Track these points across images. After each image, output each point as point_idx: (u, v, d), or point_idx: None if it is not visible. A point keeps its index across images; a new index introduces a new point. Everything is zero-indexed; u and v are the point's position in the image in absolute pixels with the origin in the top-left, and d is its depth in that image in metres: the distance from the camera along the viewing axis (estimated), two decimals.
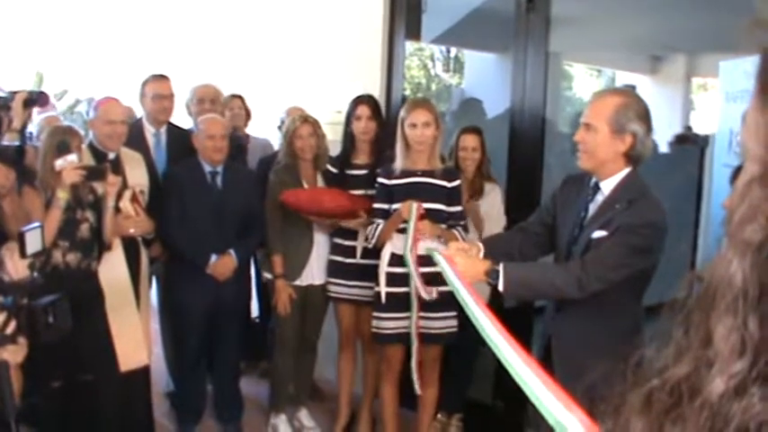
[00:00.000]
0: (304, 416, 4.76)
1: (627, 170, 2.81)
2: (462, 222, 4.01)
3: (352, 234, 4.37)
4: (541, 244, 3.15)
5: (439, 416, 4.70)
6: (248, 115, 5.58)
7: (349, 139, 4.39)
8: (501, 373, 4.67)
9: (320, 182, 4.46)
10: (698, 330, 0.56)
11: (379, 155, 4.35)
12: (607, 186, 2.83)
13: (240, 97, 5.54)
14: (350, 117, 4.36)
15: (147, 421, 4.23)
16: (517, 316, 4.46)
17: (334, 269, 4.46)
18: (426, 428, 4.32)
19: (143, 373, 4.05)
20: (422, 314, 3.94)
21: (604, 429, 0.60)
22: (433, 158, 4.01)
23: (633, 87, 8.34)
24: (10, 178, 3.40)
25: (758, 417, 0.50)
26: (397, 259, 3.94)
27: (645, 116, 2.76)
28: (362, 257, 4.35)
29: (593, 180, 2.89)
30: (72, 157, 3.56)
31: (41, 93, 3.98)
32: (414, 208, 3.78)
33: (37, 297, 2.64)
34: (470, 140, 4.44)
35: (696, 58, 12.45)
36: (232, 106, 5.42)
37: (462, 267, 2.62)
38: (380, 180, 4.08)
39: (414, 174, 4.00)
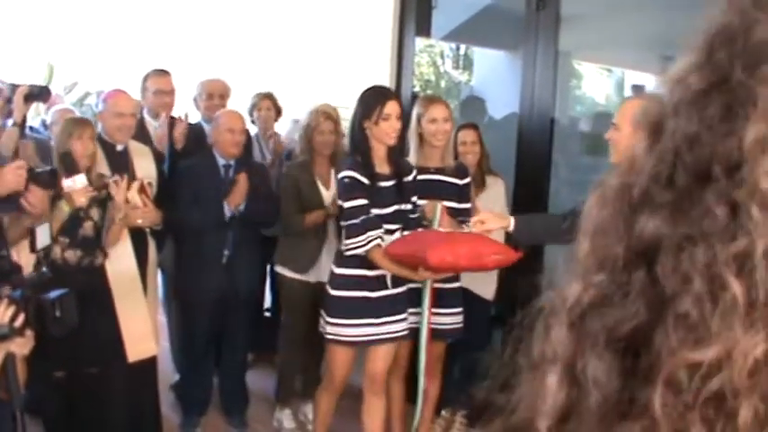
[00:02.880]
0: (310, 410, 4.77)
1: None
2: (470, 219, 3.99)
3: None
4: None
5: (443, 412, 4.70)
6: (279, 113, 5.40)
7: (365, 142, 3.66)
8: (506, 370, 4.67)
9: (333, 179, 4.33)
10: None
11: (398, 163, 3.81)
12: None
13: (270, 96, 5.34)
14: (370, 115, 3.62)
15: (154, 413, 4.24)
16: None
17: (358, 307, 3.73)
18: (429, 423, 4.31)
19: (150, 365, 4.06)
20: (447, 310, 3.99)
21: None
22: (447, 156, 3.98)
23: (642, 88, 8.30)
24: (45, 201, 3.40)
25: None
26: None
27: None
28: (394, 285, 3.79)
29: None
30: (81, 179, 3.54)
31: (43, 87, 3.99)
32: (438, 208, 3.74)
33: (45, 291, 2.65)
34: (468, 135, 4.42)
35: None
36: (260, 106, 5.28)
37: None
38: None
39: (427, 171, 3.96)
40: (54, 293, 2.67)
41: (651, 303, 0.49)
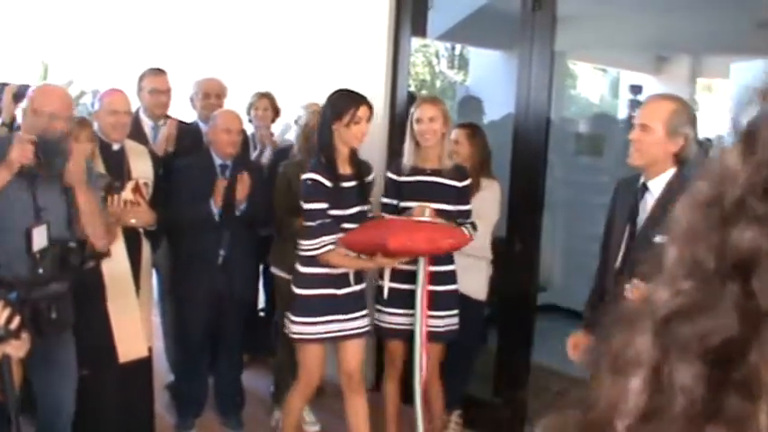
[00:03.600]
0: (305, 411, 4.76)
1: (673, 170, 2.98)
2: (470, 221, 3.98)
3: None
4: None
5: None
6: (276, 113, 5.32)
7: (332, 143, 3.73)
8: (501, 370, 4.68)
9: None
10: None
11: (359, 164, 3.90)
12: (655, 186, 2.99)
13: (268, 96, 5.26)
14: (342, 117, 3.68)
15: (148, 414, 4.23)
16: (519, 314, 4.47)
17: (325, 305, 3.81)
18: (439, 423, 4.31)
19: (144, 365, 4.05)
20: (441, 313, 4.00)
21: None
22: (444, 157, 3.97)
23: (639, 88, 8.33)
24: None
25: None
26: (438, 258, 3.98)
27: (694, 122, 2.99)
28: (356, 282, 3.95)
29: (641, 180, 3.04)
30: None
31: (29, 87, 3.98)
32: (427, 212, 3.79)
33: (40, 292, 2.65)
34: (456, 135, 4.41)
35: (701, 59, 12.43)
36: (257, 106, 5.22)
37: None
38: (390, 176, 4.07)
39: (423, 172, 3.98)
40: (50, 294, 2.66)
41: (746, 317, 0.49)
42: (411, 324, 3.95)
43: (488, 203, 4.33)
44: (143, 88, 4.75)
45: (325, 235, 3.65)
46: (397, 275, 4.00)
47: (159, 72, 4.81)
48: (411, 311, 3.94)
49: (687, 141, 2.93)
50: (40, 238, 2.75)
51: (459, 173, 4.00)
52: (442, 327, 4.03)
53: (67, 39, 8.67)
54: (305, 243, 3.69)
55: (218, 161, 4.35)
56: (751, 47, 4.89)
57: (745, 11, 7.38)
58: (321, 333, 3.82)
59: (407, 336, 4.00)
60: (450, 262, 4.04)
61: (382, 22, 5.04)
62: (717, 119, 8.64)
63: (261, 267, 5.01)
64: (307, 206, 3.68)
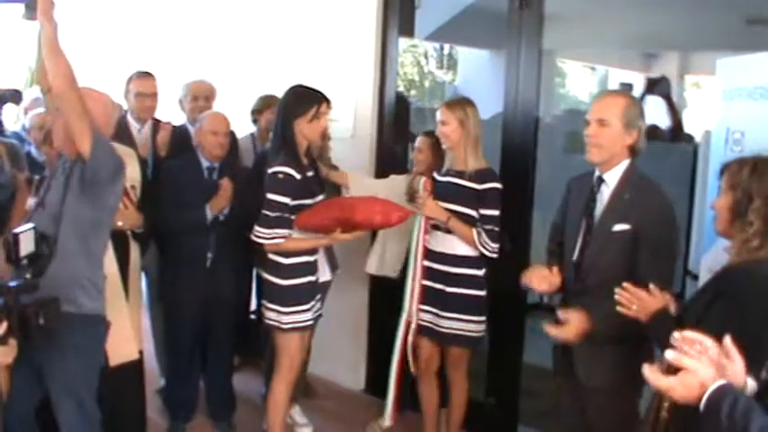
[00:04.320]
0: (296, 412, 4.75)
1: (627, 162, 3.10)
2: (488, 227, 3.94)
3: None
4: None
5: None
6: None
7: (293, 138, 3.86)
8: (493, 370, 4.68)
9: None
10: None
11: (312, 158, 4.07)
12: (611, 178, 3.11)
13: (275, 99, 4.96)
14: (306, 113, 3.83)
15: (140, 418, 4.21)
16: (510, 313, 4.47)
17: (308, 292, 4.00)
18: (457, 429, 4.33)
19: (134, 369, 4.02)
20: (447, 314, 4.05)
21: None
22: (470, 159, 3.97)
23: (630, 87, 8.35)
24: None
25: None
26: (445, 258, 4.06)
27: (643, 114, 3.16)
28: None
29: (597, 174, 3.16)
30: None
31: (15, 91, 3.96)
32: (421, 183, 4.01)
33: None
34: (419, 142, 4.50)
35: (689, 56, 12.46)
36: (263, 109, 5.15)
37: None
38: (434, 175, 4.15)
39: (449, 173, 4.06)
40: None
41: None
42: (430, 322, 4.10)
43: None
44: (129, 91, 4.74)
45: (279, 228, 3.78)
46: (461, 279, 4.05)
47: (146, 75, 4.78)
48: (428, 308, 4.10)
49: (640, 134, 3.09)
50: (27, 244, 2.73)
51: (481, 176, 3.97)
52: (467, 331, 4.05)
53: None
54: (260, 230, 3.79)
55: (205, 163, 4.34)
56: (739, 43, 4.88)
57: (734, 7, 7.40)
58: (308, 320, 3.98)
59: (432, 333, 4.12)
60: (478, 267, 4.06)
61: (370, 22, 5.03)
62: (705, 115, 8.66)
63: (255, 270, 4.97)
64: (273, 197, 3.76)
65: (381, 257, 4.60)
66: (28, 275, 2.72)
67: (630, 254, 3.00)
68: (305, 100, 3.86)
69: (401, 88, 6.39)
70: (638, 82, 11.13)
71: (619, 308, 2.63)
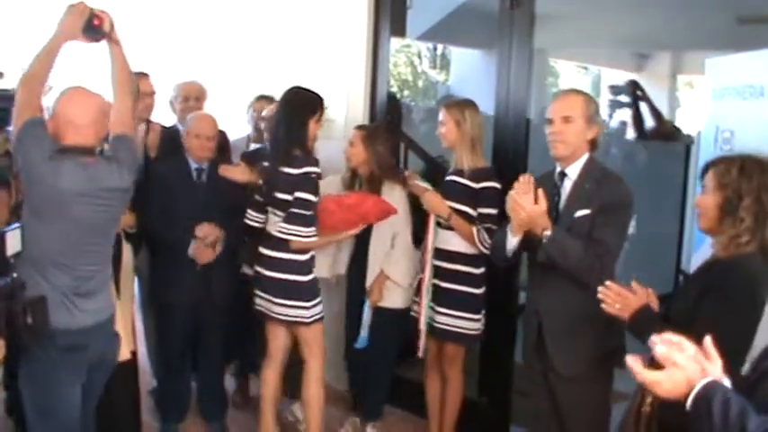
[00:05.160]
0: (297, 408, 4.75)
1: (587, 155, 3.26)
2: (487, 225, 3.96)
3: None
4: None
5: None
6: None
7: (308, 138, 4.03)
8: (486, 370, 4.68)
9: None
10: None
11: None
12: (573, 171, 3.26)
13: (269, 99, 5.06)
14: (317, 114, 4.02)
15: (133, 418, 4.19)
16: (502, 312, 4.47)
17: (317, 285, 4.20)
18: (451, 427, 4.37)
19: (127, 369, 4.00)
20: (444, 310, 4.10)
21: None
22: (467, 158, 4.03)
23: (619, 87, 8.33)
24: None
25: None
26: (444, 255, 4.11)
27: (599, 111, 3.37)
28: None
29: (558, 170, 3.31)
30: None
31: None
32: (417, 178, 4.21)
33: (15, 297, 2.62)
34: (352, 136, 4.44)
35: (682, 56, 12.48)
36: (257, 108, 5.09)
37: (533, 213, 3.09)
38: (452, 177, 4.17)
39: (452, 172, 4.13)
40: (25, 300, 2.63)
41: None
42: (461, 326, 4.12)
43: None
44: None
45: (314, 225, 3.94)
46: (445, 274, 4.10)
47: (142, 75, 4.77)
48: (444, 310, 4.12)
49: (600, 129, 3.30)
50: (13, 242, 2.71)
51: (478, 174, 4.02)
52: (463, 328, 4.11)
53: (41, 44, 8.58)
54: (303, 230, 3.89)
55: (194, 165, 4.33)
56: (731, 43, 4.90)
57: (726, 7, 7.42)
58: (322, 311, 4.13)
59: (463, 338, 4.15)
60: (475, 265, 4.10)
61: (361, 22, 5.02)
62: (697, 115, 8.67)
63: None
64: (308, 196, 3.89)
65: (335, 257, 4.55)
66: (15, 273, 2.70)
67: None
68: (314, 101, 4.01)
69: (394, 88, 6.40)
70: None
71: (603, 306, 2.66)
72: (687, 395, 1.69)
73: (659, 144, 6.69)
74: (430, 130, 6.09)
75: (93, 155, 3.01)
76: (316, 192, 3.93)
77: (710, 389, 1.67)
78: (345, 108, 5.08)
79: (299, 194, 3.87)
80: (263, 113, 4.77)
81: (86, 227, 3.00)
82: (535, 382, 3.42)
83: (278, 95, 4.92)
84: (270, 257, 4.01)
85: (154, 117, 4.88)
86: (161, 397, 4.69)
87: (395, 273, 4.34)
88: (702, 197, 2.55)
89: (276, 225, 3.97)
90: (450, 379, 4.28)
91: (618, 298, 2.63)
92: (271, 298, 4.04)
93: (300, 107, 3.97)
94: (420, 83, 14.77)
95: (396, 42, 5.41)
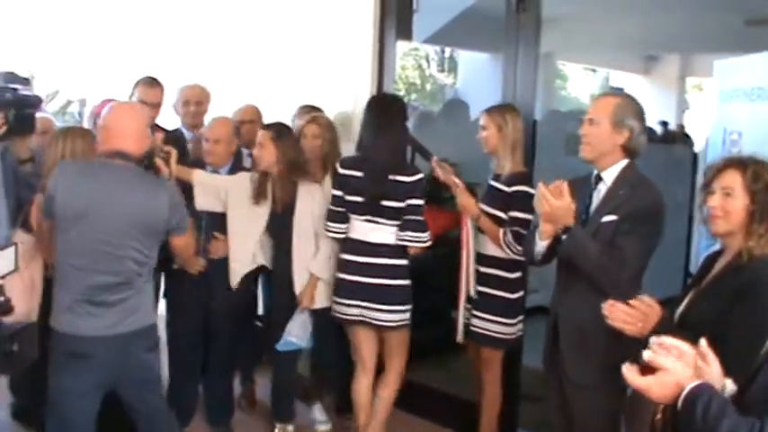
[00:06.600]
0: (317, 409, 4.73)
1: (625, 162, 3.17)
2: (514, 228, 3.91)
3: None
4: None
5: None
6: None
7: None
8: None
9: (328, 182, 4.32)
10: None
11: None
12: (608, 176, 3.19)
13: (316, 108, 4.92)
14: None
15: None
16: None
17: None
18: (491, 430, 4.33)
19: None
20: (476, 313, 4.10)
21: None
22: (507, 163, 4.02)
23: (621, 90, 8.35)
24: None
25: None
26: (484, 259, 4.11)
27: (640, 115, 3.20)
28: None
29: (595, 173, 3.24)
30: None
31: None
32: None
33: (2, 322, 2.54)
34: (260, 137, 4.30)
35: (690, 58, 12.45)
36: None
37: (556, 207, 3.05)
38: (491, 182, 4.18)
39: (493, 177, 4.13)
40: (12, 327, 2.56)
41: None
42: (500, 332, 4.10)
43: (302, 213, 4.28)
44: (134, 95, 4.75)
45: (428, 230, 4.05)
46: (490, 280, 4.10)
47: (153, 84, 4.77)
48: (496, 317, 4.10)
49: (632, 133, 3.14)
50: (6, 262, 2.60)
51: (511, 178, 4.00)
52: (500, 333, 4.10)
53: (53, 48, 8.64)
54: (421, 235, 4.00)
55: (209, 169, 4.36)
56: (739, 45, 4.88)
57: (734, 9, 7.39)
58: (356, 315, 4.10)
59: (498, 343, 4.14)
60: (508, 269, 4.08)
61: (367, 25, 5.01)
62: (706, 117, 8.64)
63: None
64: (422, 203, 4.01)
65: (328, 256, 4.44)
66: (2, 297, 2.57)
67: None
68: (404, 105, 4.26)
69: (402, 91, 6.38)
70: (638, 84, 11.10)
71: (623, 326, 2.61)
72: (677, 399, 1.68)
73: (666, 147, 6.67)
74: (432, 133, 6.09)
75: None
76: (424, 197, 4.02)
77: (698, 391, 1.66)
78: (352, 111, 5.07)
79: (412, 201, 3.95)
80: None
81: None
82: (549, 387, 3.40)
83: (289, 100, 4.91)
84: (368, 264, 4.02)
85: (163, 120, 4.90)
86: (168, 400, 4.67)
87: (323, 271, 4.29)
88: (724, 201, 2.49)
89: (380, 232, 4.00)
90: (485, 383, 4.24)
91: (641, 316, 2.59)
92: (369, 305, 4.02)
93: (395, 114, 4.07)
94: (428, 86, 14.75)
95: (404, 45, 5.41)
